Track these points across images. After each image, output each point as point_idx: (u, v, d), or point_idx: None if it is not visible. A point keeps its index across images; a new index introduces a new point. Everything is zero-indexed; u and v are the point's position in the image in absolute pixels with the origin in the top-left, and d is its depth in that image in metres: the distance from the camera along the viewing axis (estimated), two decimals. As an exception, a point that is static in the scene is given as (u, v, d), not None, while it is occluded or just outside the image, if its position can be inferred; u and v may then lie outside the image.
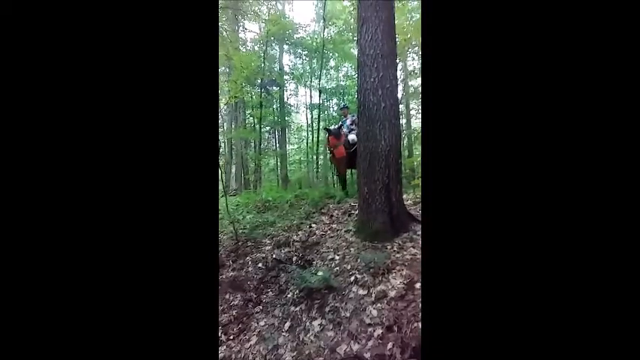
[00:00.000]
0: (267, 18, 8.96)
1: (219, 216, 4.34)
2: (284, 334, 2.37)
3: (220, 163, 8.78)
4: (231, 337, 2.54)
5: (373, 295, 2.33)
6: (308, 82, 11.04)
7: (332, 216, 4.10)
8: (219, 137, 9.49)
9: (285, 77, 10.67)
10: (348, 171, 5.43)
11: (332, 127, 5.35)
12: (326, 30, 9.59)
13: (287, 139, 11.86)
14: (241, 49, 9.34)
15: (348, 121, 5.12)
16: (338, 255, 3.00)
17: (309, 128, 10.88)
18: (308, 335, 2.25)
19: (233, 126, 10.25)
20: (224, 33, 8.01)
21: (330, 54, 10.47)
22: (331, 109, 11.66)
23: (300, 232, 3.77)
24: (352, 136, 4.75)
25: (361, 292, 2.41)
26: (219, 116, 10.79)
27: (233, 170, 10.14)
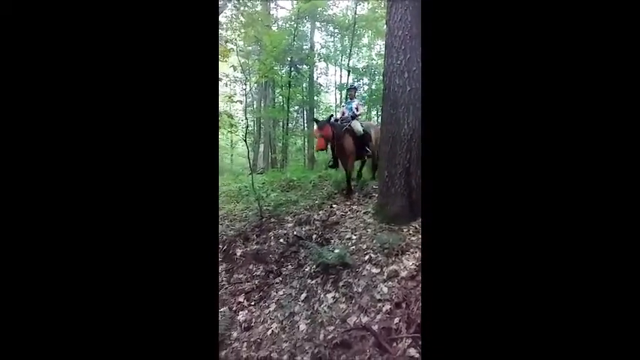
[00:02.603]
0: (299, -6, 8.82)
1: (246, 192, 4.57)
2: (300, 303, 2.56)
3: (249, 141, 9.04)
4: (252, 304, 2.79)
5: (385, 273, 2.44)
6: (339, 61, 10.87)
7: (353, 197, 4.19)
8: (248, 115, 9.71)
9: (316, 56, 10.56)
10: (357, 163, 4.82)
11: (321, 119, 4.69)
12: (359, 6, 9.30)
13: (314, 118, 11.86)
14: (273, 27, 9.31)
15: (354, 104, 4.70)
16: (355, 235, 3.12)
17: (338, 109, 10.82)
18: (322, 306, 2.42)
19: (262, 105, 10.41)
20: (254, 11, 8.03)
21: (363, 31, 10.19)
22: (361, 89, 11.48)
23: (321, 212, 3.91)
24: (356, 124, 4.36)
25: (374, 270, 2.53)
26: (250, 95, 10.99)
27: (261, 149, 10.39)
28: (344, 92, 10.31)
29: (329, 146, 4.24)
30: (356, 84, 11.17)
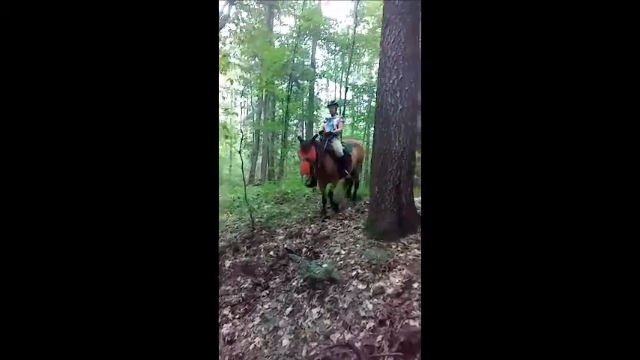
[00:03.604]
0: (300, 13, 9.09)
1: (239, 203, 4.58)
2: (285, 317, 2.53)
3: (247, 153, 9.12)
4: (237, 317, 2.75)
5: (371, 290, 2.43)
6: (339, 78, 11.08)
7: (345, 212, 4.20)
8: (248, 128, 9.81)
9: (316, 72, 10.78)
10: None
11: (304, 139, 4.59)
12: (359, 26, 9.58)
13: (313, 133, 11.99)
14: (276, 42, 9.54)
15: (335, 121, 4.50)
16: (344, 250, 3.11)
17: (345, 121, 10.93)
18: (306, 321, 2.40)
19: (262, 117, 10.54)
20: (255, 27, 8.25)
21: (363, 50, 10.44)
22: (361, 105, 11.65)
23: (312, 225, 3.91)
24: (337, 144, 4.21)
25: (360, 286, 2.52)
26: (250, 107, 11.15)
27: (259, 161, 10.47)
28: (342, 107, 10.53)
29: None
30: (356, 100, 11.41)
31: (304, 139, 4.26)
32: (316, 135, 4.36)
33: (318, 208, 4.49)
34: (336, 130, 4.40)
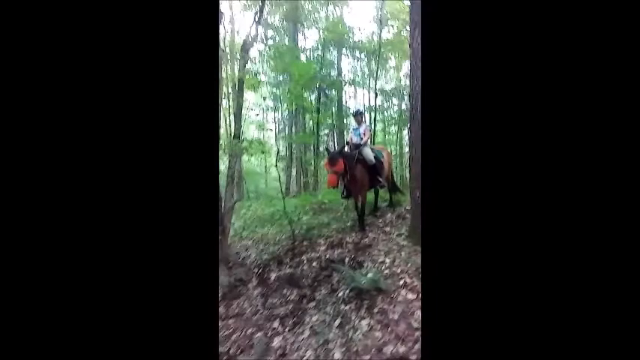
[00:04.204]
0: (324, 25, 9.26)
1: (279, 216, 4.67)
2: (334, 330, 2.51)
3: (281, 166, 9.33)
4: (287, 329, 2.77)
5: (421, 299, 2.33)
6: (366, 84, 11.06)
7: (385, 219, 4.12)
8: (280, 142, 10.04)
9: (344, 80, 10.84)
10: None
11: (333, 149, 4.28)
12: (383, 31, 9.54)
13: (345, 141, 11.98)
14: (302, 56, 9.76)
15: (362, 130, 4.41)
16: (389, 258, 3.04)
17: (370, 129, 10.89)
18: (357, 334, 2.35)
19: (293, 130, 10.75)
20: (282, 45, 8.50)
21: (390, 54, 10.36)
22: (391, 109, 11.52)
23: (353, 234, 3.87)
24: (367, 152, 4.09)
25: (410, 296, 2.43)
26: (281, 122, 11.43)
27: (293, 173, 10.63)
28: (372, 114, 10.47)
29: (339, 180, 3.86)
30: (385, 105, 11.30)
31: (332, 149, 4.07)
32: (344, 146, 4.24)
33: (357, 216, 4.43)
34: (364, 139, 4.32)
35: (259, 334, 2.80)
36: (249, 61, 5.10)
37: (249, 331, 2.90)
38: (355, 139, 4.36)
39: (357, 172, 3.91)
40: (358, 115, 4.63)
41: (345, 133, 11.40)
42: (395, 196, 4.82)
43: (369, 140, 4.55)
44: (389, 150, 4.36)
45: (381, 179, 4.13)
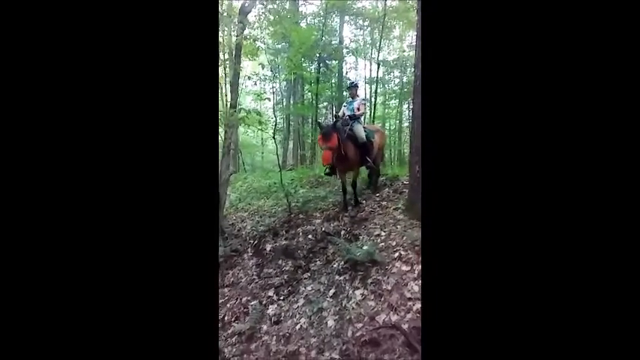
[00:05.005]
0: (327, -11, 8.78)
1: (275, 189, 4.65)
2: (328, 299, 2.56)
3: (279, 138, 9.19)
4: (282, 298, 2.83)
5: (416, 271, 2.36)
6: (368, 55, 10.68)
7: (382, 193, 4.11)
8: (278, 113, 9.83)
9: (345, 50, 10.45)
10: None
11: (325, 122, 4.08)
12: (389, -3, 9.07)
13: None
14: (302, 23, 9.34)
15: (356, 104, 4.10)
16: (384, 231, 3.06)
17: (368, 103, 10.67)
18: (350, 302, 2.40)
19: (291, 102, 10.50)
20: (282, 8, 8.10)
21: (394, 23, 9.92)
22: (392, 82, 11.21)
23: (349, 208, 3.87)
24: (358, 129, 3.84)
25: (404, 267, 2.46)
26: (279, 92, 11.14)
27: (290, 146, 10.52)
28: (373, 86, 10.20)
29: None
30: (387, 77, 10.96)
31: (324, 124, 3.72)
32: (336, 120, 3.85)
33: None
34: (357, 113, 4.03)
35: (255, 302, 2.86)
36: (247, 27, 4.82)
37: (245, 299, 2.97)
38: (347, 113, 4.07)
39: (348, 149, 3.67)
40: (353, 88, 4.31)
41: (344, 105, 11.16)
42: (371, 180, 4.47)
43: (364, 117, 4.26)
44: (384, 131, 4.03)
45: (369, 159, 3.88)
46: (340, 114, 4.15)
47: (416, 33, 3.22)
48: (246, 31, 4.56)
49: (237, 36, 4.43)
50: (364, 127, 4.05)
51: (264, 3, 7.31)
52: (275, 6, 7.97)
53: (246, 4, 4.48)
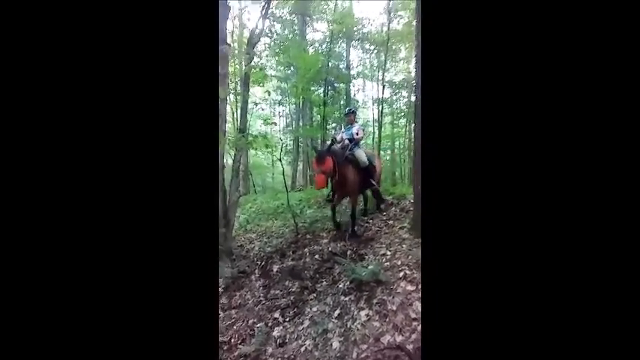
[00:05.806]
0: (332, 17, 9.18)
1: (282, 210, 4.71)
2: (333, 320, 2.53)
3: (288, 160, 9.37)
4: (287, 320, 2.81)
5: (421, 291, 2.33)
6: (375, 77, 10.94)
7: (389, 213, 4.11)
8: (287, 135, 10.06)
9: (352, 73, 10.74)
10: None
11: (320, 147, 4.01)
12: (393, 22, 9.39)
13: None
14: (310, 49, 9.72)
15: (354, 130, 4.06)
16: (390, 251, 3.04)
17: (375, 124, 10.81)
18: (355, 324, 2.37)
19: (301, 124, 10.75)
20: (289, 38, 8.47)
21: (399, 45, 10.21)
22: (400, 102, 11.38)
23: (356, 228, 3.88)
24: (360, 154, 3.82)
25: (409, 287, 2.44)
26: (289, 115, 11.45)
27: (300, 167, 10.66)
28: (379, 107, 10.36)
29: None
30: (394, 97, 11.14)
31: (320, 148, 3.66)
32: (332, 143, 3.70)
33: (360, 210, 4.42)
34: (356, 137, 4.00)
35: (260, 324, 2.86)
36: (255, 56, 5.09)
37: (251, 321, 2.96)
38: (347, 139, 4.02)
39: (348, 173, 3.60)
40: (350, 115, 4.29)
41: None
42: (372, 204, 4.44)
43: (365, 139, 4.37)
44: (380, 156, 3.99)
45: (373, 181, 3.88)
46: (338, 138, 4.10)
47: (415, 55, 3.33)
48: (255, 60, 4.81)
49: (245, 65, 4.67)
50: (364, 152, 4.09)
51: (270, 34, 7.68)
52: (281, 35, 8.33)
53: (254, 35, 4.74)
